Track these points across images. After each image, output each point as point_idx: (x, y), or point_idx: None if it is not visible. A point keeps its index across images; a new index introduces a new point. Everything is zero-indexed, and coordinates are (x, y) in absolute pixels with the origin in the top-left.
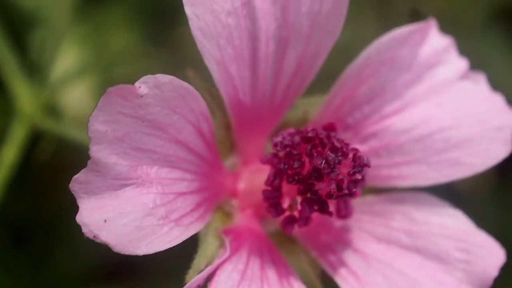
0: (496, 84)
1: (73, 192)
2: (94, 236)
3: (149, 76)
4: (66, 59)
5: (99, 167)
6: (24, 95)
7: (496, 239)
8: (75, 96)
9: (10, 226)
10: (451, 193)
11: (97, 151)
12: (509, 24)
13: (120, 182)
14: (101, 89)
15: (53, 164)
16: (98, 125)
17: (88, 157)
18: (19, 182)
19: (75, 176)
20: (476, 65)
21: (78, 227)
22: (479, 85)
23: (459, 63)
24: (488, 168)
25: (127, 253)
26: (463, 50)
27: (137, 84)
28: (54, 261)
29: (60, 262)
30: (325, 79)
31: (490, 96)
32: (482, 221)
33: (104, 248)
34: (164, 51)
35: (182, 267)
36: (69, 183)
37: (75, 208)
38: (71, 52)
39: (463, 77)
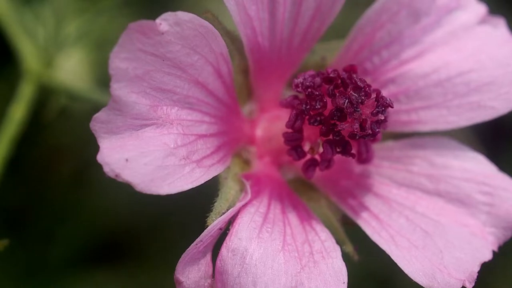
0: None
1: (93, 132)
2: (116, 175)
3: (169, 13)
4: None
5: (120, 105)
6: (31, 55)
7: None
8: (70, 70)
9: (4, 210)
10: None
11: (117, 89)
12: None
13: (140, 122)
14: (96, 66)
15: (49, 149)
16: (119, 62)
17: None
18: (14, 168)
19: (96, 115)
20: None
21: (72, 210)
22: (499, 29)
23: (478, 7)
24: (481, 151)
25: (149, 192)
26: None
27: (158, 20)
28: (49, 244)
29: (56, 243)
30: None
31: (510, 39)
32: None
33: (100, 230)
34: None
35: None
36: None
37: (71, 191)
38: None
39: (483, 21)
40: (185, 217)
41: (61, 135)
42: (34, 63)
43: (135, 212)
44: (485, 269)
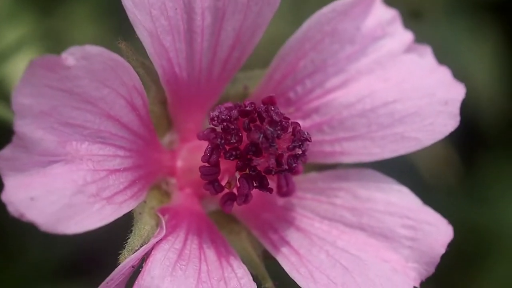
0: (463, 69)
1: None
2: (21, 215)
3: (76, 47)
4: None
5: (25, 142)
6: None
7: (463, 227)
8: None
9: None
10: (417, 182)
11: (22, 126)
12: (474, 12)
13: (47, 159)
14: None
15: None
16: (23, 98)
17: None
18: None
19: (0, 152)
20: (444, 51)
21: None
22: (425, 58)
23: (404, 36)
24: (455, 157)
25: (55, 232)
26: (432, 37)
27: (63, 55)
28: (22, 258)
29: (30, 257)
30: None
31: (436, 68)
32: (449, 210)
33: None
34: (132, 45)
35: None
36: None
37: None
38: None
39: (409, 49)
40: None
41: None
42: None
43: (111, 225)
44: None
